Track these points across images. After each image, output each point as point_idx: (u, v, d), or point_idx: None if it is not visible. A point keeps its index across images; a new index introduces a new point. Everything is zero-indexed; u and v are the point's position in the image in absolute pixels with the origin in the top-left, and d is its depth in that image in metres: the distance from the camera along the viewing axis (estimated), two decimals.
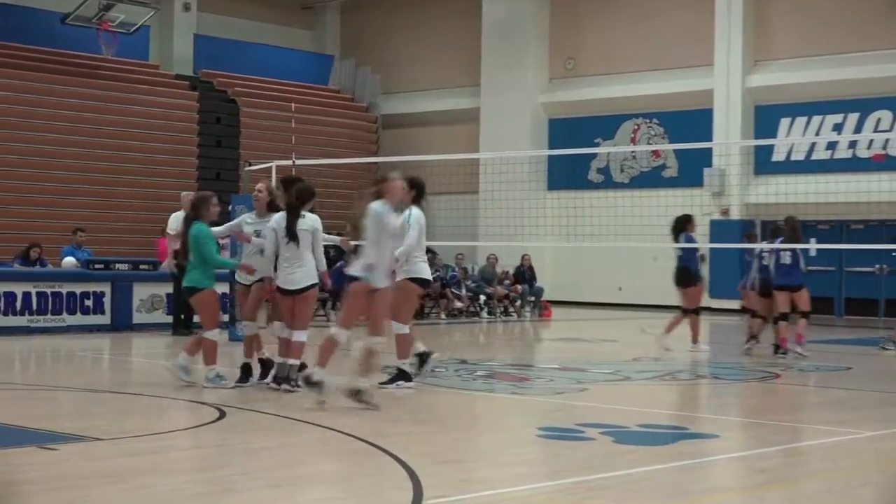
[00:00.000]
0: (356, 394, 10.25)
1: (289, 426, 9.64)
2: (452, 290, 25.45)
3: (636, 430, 9.57)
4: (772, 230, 17.60)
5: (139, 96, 30.22)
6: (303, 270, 11.38)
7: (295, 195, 11.51)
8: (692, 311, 17.46)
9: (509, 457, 8.52)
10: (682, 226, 17.35)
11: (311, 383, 10.28)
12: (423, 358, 12.30)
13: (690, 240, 17.36)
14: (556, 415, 10.68)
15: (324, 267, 11.75)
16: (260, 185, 12.25)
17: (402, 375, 11.90)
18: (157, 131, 30.21)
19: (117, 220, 28.72)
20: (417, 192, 11.87)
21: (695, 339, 17.45)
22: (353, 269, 10.61)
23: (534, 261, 27.97)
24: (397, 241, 10.52)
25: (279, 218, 11.46)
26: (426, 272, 12.04)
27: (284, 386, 11.43)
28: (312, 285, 11.45)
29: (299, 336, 11.43)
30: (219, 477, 7.51)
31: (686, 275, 17.30)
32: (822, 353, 16.99)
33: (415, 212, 11.71)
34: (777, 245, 16.72)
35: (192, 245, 11.58)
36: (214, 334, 11.66)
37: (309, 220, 11.47)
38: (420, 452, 8.34)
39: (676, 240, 17.31)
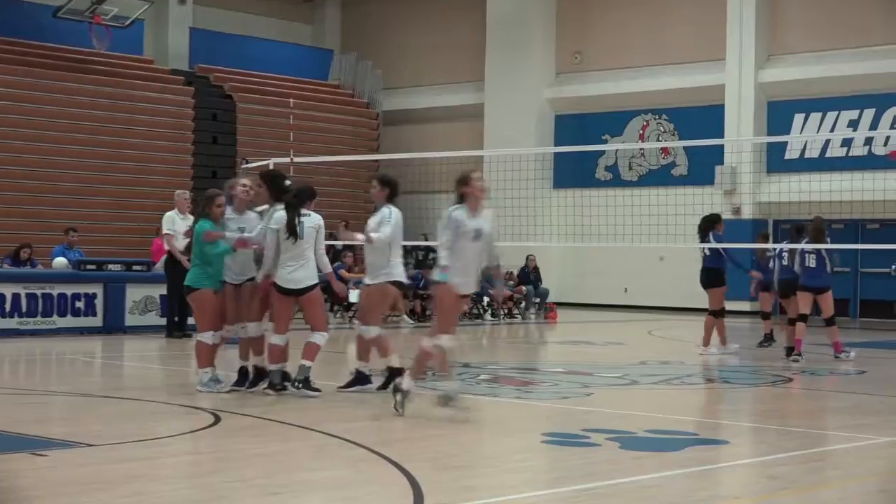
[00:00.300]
0: (397, 391, 10.30)
1: (286, 431, 9.64)
2: None
3: (644, 435, 9.57)
4: (793, 229, 17.62)
5: (133, 92, 30.22)
6: (305, 269, 11.42)
7: (294, 194, 11.59)
8: (711, 313, 17.47)
9: (513, 463, 8.52)
10: (712, 225, 17.43)
11: (445, 398, 10.23)
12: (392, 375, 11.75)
13: (719, 240, 17.43)
14: (561, 420, 10.68)
15: (329, 268, 11.77)
16: (247, 181, 12.29)
17: (360, 379, 11.90)
18: (152, 128, 30.22)
19: (110, 219, 28.73)
20: (390, 190, 11.83)
21: (706, 342, 17.46)
22: (433, 274, 10.57)
23: (539, 261, 27.97)
24: (478, 247, 10.40)
25: (279, 217, 11.50)
26: (403, 275, 11.90)
27: (266, 389, 11.56)
28: (315, 284, 11.48)
29: (316, 338, 11.46)
30: (214, 484, 7.51)
31: (713, 275, 17.35)
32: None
33: (395, 211, 11.70)
34: (790, 245, 16.77)
35: (194, 243, 11.68)
36: (207, 336, 11.65)
37: (314, 219, 11.53)
38: (421, 459, 8.35)
39: (704, 240, 17.37)
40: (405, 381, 10.36)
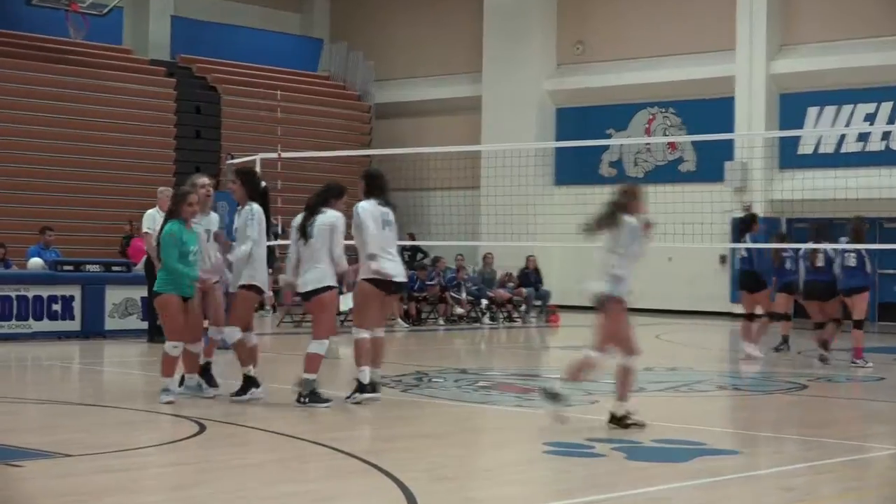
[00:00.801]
0: (619, 420, 10.23)
1: (273, 441, 9.63)
2: (452, 294, 25.44)
3: (650, 445, 9.57)
4: (813, 229, 17.70)
5: (111, 83, 30.20)
6: (315, 272, 11.36)
7: (319, 191, 11.62)
8: (746, 317, 17.61)
9: (513, 474, 8.52)
10: (748, 226, 17.58)
11: (550, 394, 10.26)
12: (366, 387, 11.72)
13: (756, 241, 17.57)
14: (564, 429, 10.66)
15: (344, 266, 11.52)
16: (205, 180, 12.29)
17: (359, 387, 11.70)
18: (132, 121, 30.19)
19: (88, 217, 28.70)
20: (367, 184, 11.84)
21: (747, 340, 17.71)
22: (597, 285, 10.47)
23: (540, 262, 27.96)
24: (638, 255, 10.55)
25: (299, 216, 11.55)
26: (389, 271, 11.66)
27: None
28: (324, 288, 11.36)
29: (314, 347, 11.35)
30: (197, 496, 7.50)
31: (753, 278, 17.47)
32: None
33: (359, 209, 11.67)
34: (814, 246, 16.92)
35: (162, 245, 11.55)
36: (169, 346, 11.47)
37: (329, 217, 11.44)
38: (416, 469, 8.33)
39: (741, 241, 17.57)
40: (560, 385, 10.33)
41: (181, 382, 11.95)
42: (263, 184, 12.21)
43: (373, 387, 11.71)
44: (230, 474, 8.17)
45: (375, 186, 11.90)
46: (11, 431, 9.87)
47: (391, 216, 11.86)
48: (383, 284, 11.68)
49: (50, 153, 28.68)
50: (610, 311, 10.35)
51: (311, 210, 11.48)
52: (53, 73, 29.37)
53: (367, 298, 11.72)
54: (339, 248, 11.44)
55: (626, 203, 10.46)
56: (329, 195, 11.61)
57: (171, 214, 11.66)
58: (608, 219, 10.38)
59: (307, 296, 11.46)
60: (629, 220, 10.36)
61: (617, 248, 10.31)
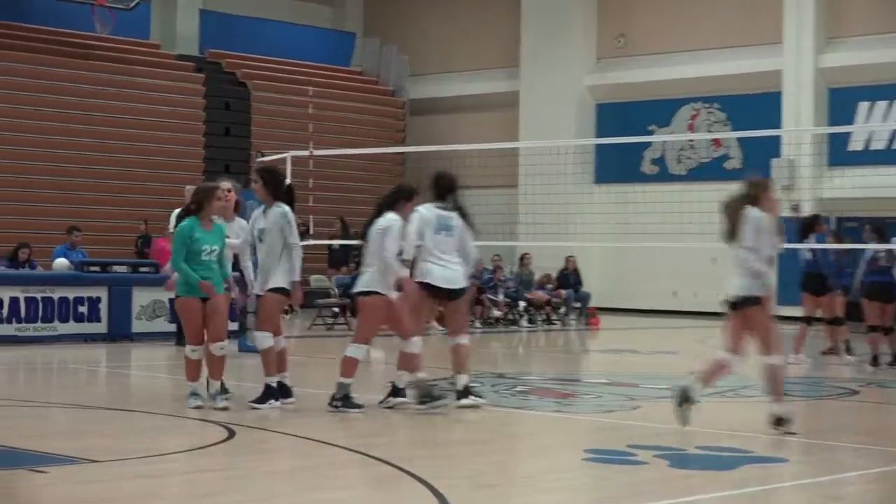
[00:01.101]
0: (779, 422, 10.42)
1: (305, 447, 9.64)
2: (488, 295, 25.40)
3: (695, 452, 9.54)
4: (873, 230, 17.60)
5: (139, 79, 30.35)
6: (365, 275, 11.39)
7: (389, 193, 11.60)
8: (804, 320, 17.56)
9: (552, 482, 8.49)
10: (811, 227, 17.51)
11: (780, 420, 10.46)
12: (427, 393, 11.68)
13: (822, 242, 17.52)
14: (604, 435, 10.65)
15: (395, 272, 11.21)
16: (227, 185, 12.24)
17: (395, 392, 11.68)
18: (159, 118, 30.34)
19: (115, 217, 28.84)
20: (432, 187, 11.85)
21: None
22: (737, 287, 10.50)
23: (579, 263, 27.91)
24: (774, 246, 10.64)
25: None
26: (433, 276, 11.61)
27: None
28: (368, 292, 11.30)
29: (351, 351, 11.33)
30: (226, 503, 7.52)
31: (818, 280, 17.38)
32: None
33: (418, 209, 11.64)
34: (878, 246, 16.84)
35: (175, 243, 11.49)
36: (188, 350, 11.44)
37: (386, 220, 11.34)
38: (452, 477, 8.33)
39: (804, 242, 17.56)
40: (784, 409, 10.48)
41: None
42: (287, 182, 12.15)
43: (466, 392, 11.70)
44: (260, 481, 8.18)
45: (440, 188, 11.89)
46: (36, 436, 9.92)
47: (453, 220, 11.78)
48: (432, 289, 11.66)
49: (75, 150, 28.84)
50: (747, 311, 10.42)
51: (377, 212, 11.45)
52: (79, 68, 29.55)
53: (415, 302, 11.72)
54: (389, 253, 11.21)
55: (754, 195, 10.49)
56: (399, 196, 11.51)
57: (188, 211, 11.59)
58: (732, 212, 10.43)
59: (356, 297, 11.55)
60: (752, 212, 10.38)
61: (746, 244, 10.34)
